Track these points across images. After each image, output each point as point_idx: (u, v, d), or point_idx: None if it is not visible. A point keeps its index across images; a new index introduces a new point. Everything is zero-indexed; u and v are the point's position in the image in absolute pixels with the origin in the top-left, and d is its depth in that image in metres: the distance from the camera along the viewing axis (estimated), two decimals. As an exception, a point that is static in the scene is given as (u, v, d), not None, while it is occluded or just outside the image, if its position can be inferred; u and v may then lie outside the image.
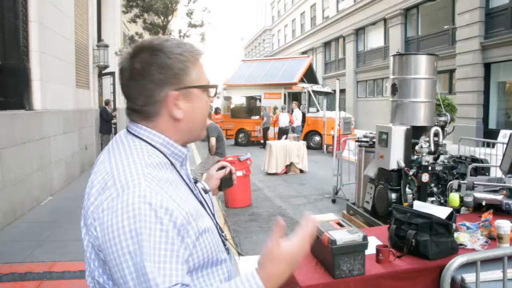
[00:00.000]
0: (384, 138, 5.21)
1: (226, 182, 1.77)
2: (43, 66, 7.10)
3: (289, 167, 11.33)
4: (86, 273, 1.11)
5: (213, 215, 1.29)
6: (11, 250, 4.86)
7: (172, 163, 1.14)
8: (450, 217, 2.76)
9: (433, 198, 5.06)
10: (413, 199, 4.90)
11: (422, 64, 5.36)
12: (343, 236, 2.42)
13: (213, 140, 7.53)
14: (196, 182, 1.30)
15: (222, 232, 1.30)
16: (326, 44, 33.32)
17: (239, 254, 5.32)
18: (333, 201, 7.87)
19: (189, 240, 1.01)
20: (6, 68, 6.39)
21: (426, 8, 20.42)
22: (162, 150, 1.13)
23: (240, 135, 19.34)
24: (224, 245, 1.22)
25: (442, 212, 2.76)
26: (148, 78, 1.10)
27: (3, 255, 4.69)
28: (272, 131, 17.81)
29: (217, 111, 19.95)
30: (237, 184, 7.57)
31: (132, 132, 1.15)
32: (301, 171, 11.40)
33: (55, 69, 7.75)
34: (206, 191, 1.40)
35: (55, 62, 7.81)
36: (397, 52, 5.76)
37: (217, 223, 1.28)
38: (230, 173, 1.76)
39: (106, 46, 11.75)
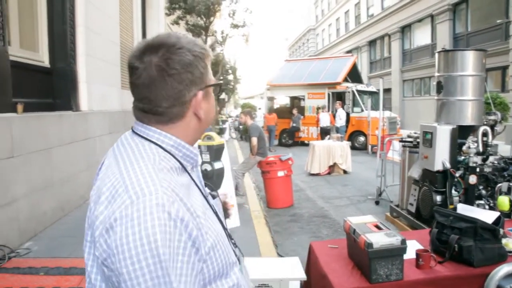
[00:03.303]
0: (428, 138, 5.01)
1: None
2: (90, 69, 7.32)
3: (332, 167, 11.16)
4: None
5: (223, 221, 1.24)
6: (58, 245, 5.03)
7: (183, 166, 1.07)
8: (498, 221, 2.60)
9: (482, 201, 4.82)
10: (460, 202, 4.68)
11: (469, 60, 5.13)
12: (380, 239, 2.33)
13: (254, 140, 7.49)
14: (205, 185, 1.24)
15: (232, 238, 1.25)
16: (371, 43, 32.67)
17: (279, 255, 5.26)
18: (377, 202, 7.67)
19: (203, 251, 0.95)
20: (55, 71, 6.65)
21: (476, 2, 19.58)
22: (173, 153, 1.06)
23: (284, 135, 19.27)
24: (234, 252, 1.17)
25: (488, 216, 2.61)
26: (177, 78, 1.03)
27: (51, 249, 4.87)
28: (315, 131, 17.68)
29: (270, 111, 20.07)
30: (279, 185, 7.59)
31: (139, 133, 1.08)
32: (345, 171, 11.20)
33: (101, 71, 7.99)
34: (214, 196, 1.32)
35: (101, 64, 8.05)
36: (442, 49, 5.53)
37: (226, 229, 1.22)
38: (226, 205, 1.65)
39: (151, 48, 11.99)
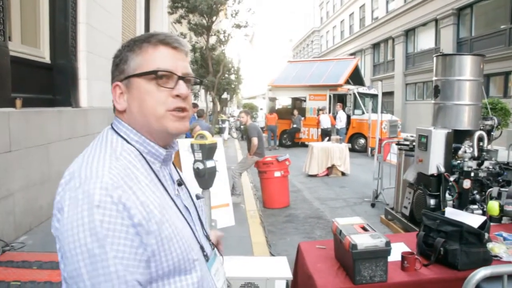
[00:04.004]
0: (423, 142, 5.02)
1: None
2: (90, 65, 7.36)
3: (330, 169, 11.16)
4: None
5: (201, 222, 1.25)
6: (52, 239, 4.92)
7: (147, 162, 1.10)
8: (484, 226, 2.61)
9: (475, 206, 4.82)
10: (453, 206, 4.69)
11: (467, 65, 5.14)
12: (365, 240, 2.35)
13: (255, 140, 7.49)
14: (180, 185, 1.22)
15: (208, 239, 1.25)
16: (375, 46, 32.66)
17: (271, 255, 5.27)
18: (373, 205, 7.68)
19: (149, 242, 0.97)
20: (55, 67, 6.69)
21: (481, 7, 19.56)
22: (137, 148, 1.10)
23: (284, 136, 19.27)
24: (203, 251, 1.16)
25: (474, 221, 2.63)
26: (111, 73, 1.16)
27: (46, 244, 4.89)
28: (316, 133, 17.68)
29: (271, 111, 20.06)
30: (275, 185, 7.60)
31: (113, 127, 1.14)
32: (343, 173, 11.20)
33: (101, 68, 8.01)
34: (198, 197, 1.33)
35: (102, 61, 8.07)
36: (440, 53, 5.54)
37: (203, 229, 1.24)
38: None
39: (153, 46, 12.00)
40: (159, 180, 1.11)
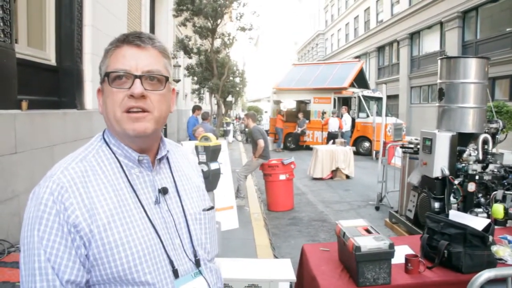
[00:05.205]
0: (428, 145, 5.01)
1: None
2: (95, 68, 7.31)
3: (335, 172, 11.15)
4: None
5: (190, 236, 1.17)
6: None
7: (120, 164, 1.10)
8: (488, 229, 2.61)
9: (480, 209, 4.80)
10: (458, 209, 4.67)
11: (471, 67, 5.12)
12: (368, 243, 2.35)
13: (261, 142, 7.50)
14: (165, 192, 1.16)
15: (196, 255, 1.16)
16: (380, 49, 32.59)
17: (275, 257, 5.27)
18: (377, 208, 7.66)
19: (91, 246, 1.00)
20: (61, 70, 6.72)
21: (486, 10, 19.49)
22: (114, 151, 1.12)
23: (289, 139, 19.27)
24: (173, 266, 1.09)
25: (478, 223, 2.62)
26: None
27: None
28: (320, 136, 17.67)
29: (280, 112, 20.17)
30: (280, 188, 7.60)
31: (104, 130, 1.17)
32: (347, 176, 11.19)
33: (106, 70, 8.06)
34: (208, 209, 1.26)
35: (107, 64, 8.12)
36: (444, 55, 5.53)
37: (191, 243, 1.16)
38: None
39: (158, 49, 12.05)
40: (131, 185, 1.10)
